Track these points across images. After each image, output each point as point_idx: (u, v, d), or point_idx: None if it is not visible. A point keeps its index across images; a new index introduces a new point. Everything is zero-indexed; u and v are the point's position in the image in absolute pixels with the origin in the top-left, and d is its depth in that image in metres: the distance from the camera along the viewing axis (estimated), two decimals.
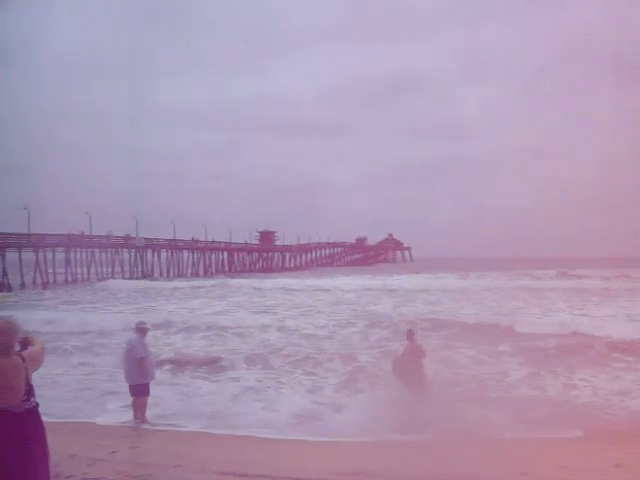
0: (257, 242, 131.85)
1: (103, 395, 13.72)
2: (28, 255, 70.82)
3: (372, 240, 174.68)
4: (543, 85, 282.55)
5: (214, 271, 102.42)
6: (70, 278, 75.07)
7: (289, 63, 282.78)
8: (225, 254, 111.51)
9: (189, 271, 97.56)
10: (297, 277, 77.26)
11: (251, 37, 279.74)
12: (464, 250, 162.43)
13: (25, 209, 72.65)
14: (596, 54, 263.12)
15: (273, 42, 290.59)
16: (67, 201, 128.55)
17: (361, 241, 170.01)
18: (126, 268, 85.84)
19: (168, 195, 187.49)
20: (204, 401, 14.96)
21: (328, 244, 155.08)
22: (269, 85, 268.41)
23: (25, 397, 5.28)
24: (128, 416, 13.09)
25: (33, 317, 27.55)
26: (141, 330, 13.39)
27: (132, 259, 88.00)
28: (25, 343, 5.49)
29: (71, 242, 77.19)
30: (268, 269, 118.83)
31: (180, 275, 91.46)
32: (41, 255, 72.13)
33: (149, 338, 14.12)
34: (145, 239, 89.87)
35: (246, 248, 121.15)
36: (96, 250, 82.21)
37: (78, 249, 78.97)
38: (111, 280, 71.87)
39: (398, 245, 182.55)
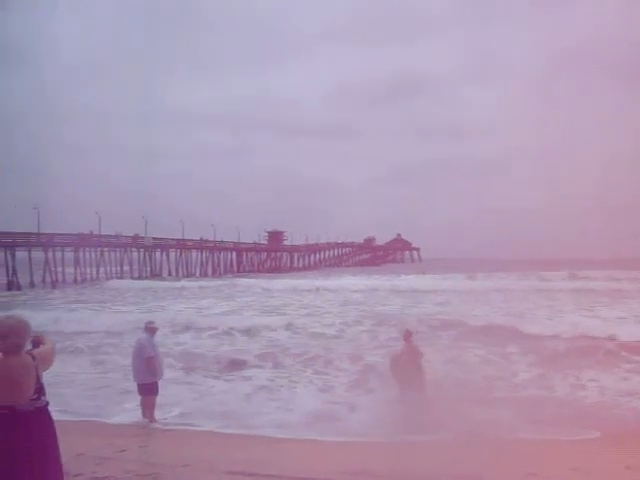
0: (266, 242, 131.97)
1: (122, 394, 13.81)
2: (37, 254, 71.15)
3: (380, 240, 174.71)
4: (550, 85, 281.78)
5: (222, 271, 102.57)
6: (79, 277, 75.34)
7: (295, 64, 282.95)
8: (234, 254, 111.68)
9: (198, 271, 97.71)
10: (305, 277, 77.26)
11: (255, 39, 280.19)
12: (472, 250, 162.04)
13: (35, 209, 73.06)
14: (601, 55, 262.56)
15: (277, 43, 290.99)
16: (77, 201, 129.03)
17: (369, 241, 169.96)
18: (135, 267, 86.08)
19: (177, 195, 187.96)
20: (218, 400, 15.02)
21: (336, 244, 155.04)
22: (276, 86, 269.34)
23: (35, 396, 5.29)
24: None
25: (41, 316, 27.59)
26: (150, 329, 13.43)
27: (141, 259, 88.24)
28: (36, 342, 5.50)
29: (80, 242, 77.47)
30: (276, 269, 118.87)
31: (189, 275, 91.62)
32: (50, 254, 72.42)
33: (158, 337, 14.15)
34: (154, 239, 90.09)
35: (255, 248, 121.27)
36: (105, 250, 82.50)
37: (87, 249, 79.30)
38: (115, 280, 71.95)
39: (406, 245, 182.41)
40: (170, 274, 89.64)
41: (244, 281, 65.61)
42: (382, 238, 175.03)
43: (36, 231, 72.43)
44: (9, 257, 66.11)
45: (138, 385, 13.11)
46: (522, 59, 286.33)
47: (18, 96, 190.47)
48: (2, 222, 68.52)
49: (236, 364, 19.36)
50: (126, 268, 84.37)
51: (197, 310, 36.92)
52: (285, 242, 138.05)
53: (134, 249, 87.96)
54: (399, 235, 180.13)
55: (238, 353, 21.02)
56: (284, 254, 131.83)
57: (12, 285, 64.68)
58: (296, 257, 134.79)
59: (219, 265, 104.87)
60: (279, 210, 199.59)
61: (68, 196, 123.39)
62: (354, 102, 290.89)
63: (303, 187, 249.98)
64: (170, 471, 9.05)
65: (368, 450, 10.70)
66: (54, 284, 68.99)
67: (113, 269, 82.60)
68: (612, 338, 22.03)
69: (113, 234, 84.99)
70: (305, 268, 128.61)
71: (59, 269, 73.28)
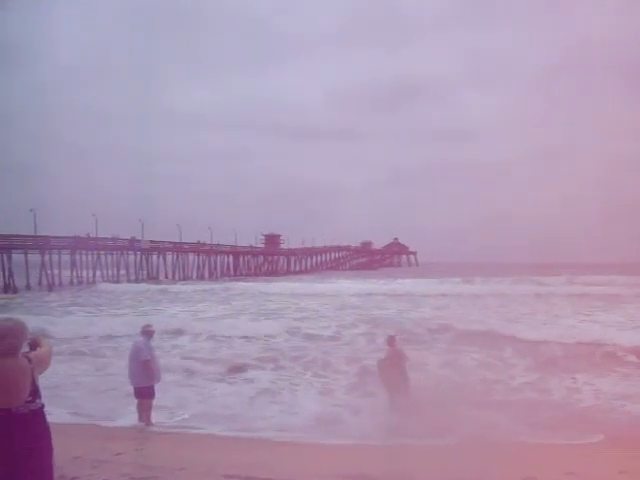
0: (262, 245, 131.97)
1: (127, 396, 13.80)
2: (34, 257, 71.09)
3: (377, 244, 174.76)
4: (551, 87, 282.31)
5: (219, 274, 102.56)
6: (76, 280, 75.28)
7: (295, 67, 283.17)
8: (230, 257, 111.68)
9: (194, 274, 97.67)
10: (302, 281, 77.25)
11: (256, 40, 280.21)
12: (470, 254, 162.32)
13: (31, 211, 72.99)
14: (604, 56, 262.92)
15: (279, 45, 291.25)
16: (74, 203, 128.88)
17: (366, 245, 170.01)
18: (131, 270, 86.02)
19: (174, 198, 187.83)
20: (222, 403, 15.08)
21: (333, 248, 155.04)
22: (274, 89, 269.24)
23: (30, 398, 5.29)
24: (156, 416, 13.21)
25: (38, 319, 27.60)
26: (147, 333, 13.42)
27: (137, 262, 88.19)
28: (33, 344, 5.51)
29: (77, 244, 77.41)
30: (273, 272, 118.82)
31: (185, 278, 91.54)
32: (47, 257, 72.38)
33: (155, 341, 14.15)
34: (151, 242, 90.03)
35: (251, 251, 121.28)
36: (102, 252, 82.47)
37: (84, 251, 79.27)
38: (111, 283, 71.86)
39: (403, 249, 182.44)
40: (167, 277, 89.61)
41: (241, 284, 65.63)
42: (379, 242, 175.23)
43: (33, 233, 72.39)
44: (5, 259, 66.06)
45: (135, 388, 13.09)
46: (524, 61, 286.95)
47: (16, 96, 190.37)
48: None
49: (237, 367, 19.43)
50: (122, 271, 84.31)
51: (193, 313, 36.98)
52: (282, 245, 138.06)
53: (131, 252, 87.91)
54: (396, 239, 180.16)
55: (238, 357, 21.15)
56: (281, 257, 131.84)
57: (8, 288, 64.61)
58: (293, 260, 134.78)
59: (216, 268, 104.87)
60: (276, 213, 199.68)
61: (65, 198, 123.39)
62: (353, 105, 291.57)
63: (300, 190, 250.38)
64: (167, 474, 9.03)
65: (366, 454, 10.70)
66: (50, 287, 68.89)
67: (110, 272, 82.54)
68: (608, 343, 22.10)
69: (110, 237, 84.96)
70: (302, 272, 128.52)
71: (55, 272, 73.22)
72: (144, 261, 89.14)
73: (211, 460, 9.91)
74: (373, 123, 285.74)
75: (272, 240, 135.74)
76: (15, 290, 63.81)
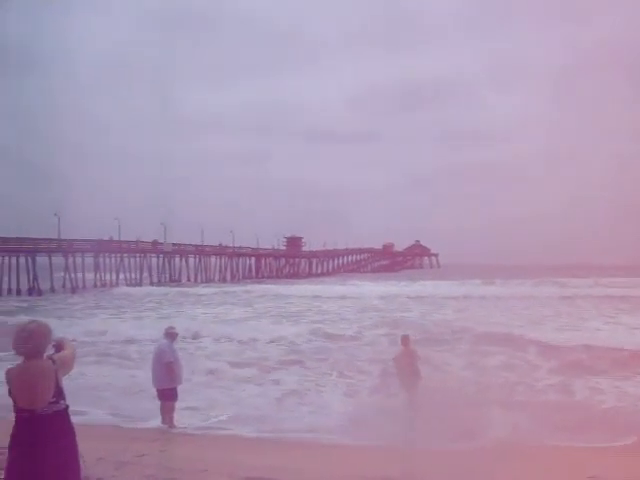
0: (284, 248, 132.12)
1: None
2: (58, 260, 71.78)
3: (399, 246, 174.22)
4: (569, 89, 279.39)
5: (241, 277, 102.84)
6: (99, 283, 75.89)
7: (313, 70, 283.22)
8: (252, 260, 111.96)
9: (216, 276, 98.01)
10: (324, 283, 77.25)
11: (272, 44, 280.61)
12: (492, 256, 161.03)
13: (55, 215, 73.70)
14: (622, 57, 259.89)
15: (295, 48, 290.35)
16: (96, 207, 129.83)
17: (388, 247, 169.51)
18: (154, 273, 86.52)
19: (196, 201, 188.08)
20: (251, 405, 15.28)
21: (355, 250, 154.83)
22: (293, 92, 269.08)
23: (54, 399, 5.32)
24: (189, 416, 13.39)
25: (61, 322, 27.88)
26: (170, 335, 13.47)
27: (160, 265, 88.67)
28: (58, 346, 5.54)
29: (100, 247, 78.04)
30: (295, 275, 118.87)
31: (207, 281, 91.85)
32: (70, 260, 73.03)
33: (178, 343, 14.23)
34: (173, 244, 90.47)
35: (273, 254, 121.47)
36: (124, 255, 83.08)
37: (107, 254, 79.92)
38: (134, 287, 72.38)
39: (425, 251, 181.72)
40: (189, 280, 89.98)
41: (262, 287, 65.75)
42: (401, 244, 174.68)
43: (57, 237, 73.09)
44: (30, 262, 66.78)
45: (157, 390, 13.15)
46: (543, 62, 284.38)
47: (38, 102, 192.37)
48: (24, 228, 69.28)
49: (262, 369, 19.61)
50: (145, 274, 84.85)
51: (215, 316, 37.09)
52: (303, 248, 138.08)
53: (153, 255, 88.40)
54: (418, 241, 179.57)
55: (262, 359, 21.30)
56: (302, 260, 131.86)
57: (33, 290, 65.33)
58: (314, 263, 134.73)
59: (238, 271, 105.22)
60: (297, 216, 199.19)
61: (88, 202, 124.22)
62: (373, 107, 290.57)
63: (322, 193, 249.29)
64: (188, 476, 9.07)
65: (389, 456, 10.65)
66: (74, 289, 69.53)
67: (132, 275, 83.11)
68: (633, 346, 21.83)
69: (132, 240, 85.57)
70: (323, 274, 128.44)
71: (79, 275, 73.89)
72: (166, 264, 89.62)
73: (234, 462, 9.92)
74: (393, 125, 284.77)
75: (294, 243, 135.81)
76: (40, 293, 64.50)
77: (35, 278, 66.68)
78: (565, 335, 24.87)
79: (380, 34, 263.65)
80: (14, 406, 5.29)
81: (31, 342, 5.29)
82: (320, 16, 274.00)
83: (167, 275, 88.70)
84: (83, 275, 74.69)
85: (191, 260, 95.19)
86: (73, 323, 29.94)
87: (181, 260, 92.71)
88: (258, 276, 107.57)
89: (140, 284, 78.19)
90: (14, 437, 5.25)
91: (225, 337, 25.82)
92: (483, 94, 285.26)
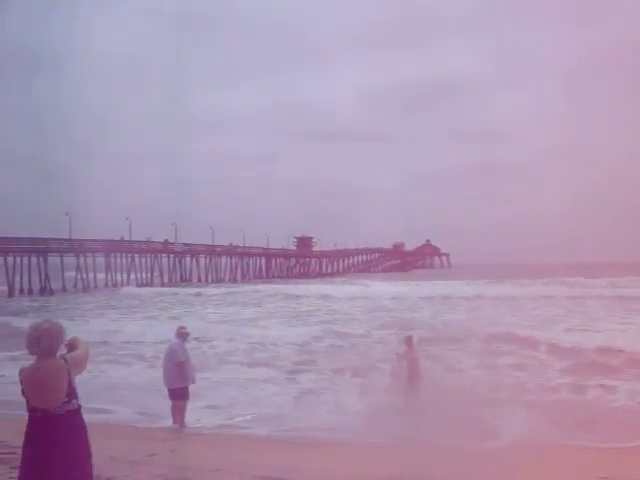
0: (294, 248, 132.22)
1: None
2: (69, 260, 72.09)
3: (409, 246, 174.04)
4: (581, 88, 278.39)
5: (252, 277, 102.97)
6: (110, 283, 76.18)
7: (325, 69, 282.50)
8: (263, 260, 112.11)
9: (227, 276, 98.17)
10: (334, 283, 77.23)
11: (285, 43, 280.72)
12: (503, 255, 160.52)
13: (67, 215, 74.02)
14: (632, 59, 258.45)
15: (309, 47, 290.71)
16: (108, 207, 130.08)
17: (398, 247, 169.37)
18: (165, 273, 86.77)
19: (206, 201, 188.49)
20: (269, 403, 15.45)
21: (365, 250, 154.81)
22: (304, 91, 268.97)
23: (67, 399, 5.35)
24: (211, 415, 13.55)
25: (73, 322, 27.99)
26: (182, 335, 13.50)
27: (171, 265, 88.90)
28: (71, 346, 5.57)
29: (111, 247, 78.32)
30: (305, 275, 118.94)
31: (218, 280, 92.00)
32: (82, 260, 73.34)
33: (189, 343, 14.29)
34: (184, 244, 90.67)
35: (283, 254, 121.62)
36: (135, 255, 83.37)
37: (118, 254, 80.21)
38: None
39: (435, 251, 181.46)
40: (200, 280, 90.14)
41: (273, 287, 65.78)
42: (411, 244, 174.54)
43: (68, 237, 73.42)
44: (42, 262, 67.11)
45: (169, 390, 13.19)
46: (555, 61, 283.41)
47: (48, 102, 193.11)
48: (35, 228, 69.68)
49: (277, 368, 19.79)
50: (156, 274, 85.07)
51: (225, 315, 37.17)
52: (314, 248, 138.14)
53: (164, 255, 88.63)
54: (428, 241, 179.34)
55: (276, 358, 21.45)
56: (313, 260, 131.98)
57: (45, 290, 65.67)
58: (325, 263, 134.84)
59: (248, 271, 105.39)
60: (308, 216, 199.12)
61: (99, 202, 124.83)
62: (383, 107, 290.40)
63: (332, 193, 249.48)
64: (200, 475, 9.09)
65: (400, 455, 10.65)
66: (85, 289, 69.85)
67: (143, 275, 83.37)
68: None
69: (143, 240, 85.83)
70: (334, 274, 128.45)
71: (90, 275, 74.19)
72: (177, 264, 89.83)
73: (244, 461, 9.92)
74: (403, 124, 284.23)
75: (304, 242, 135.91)
76: (51, 293, 64.84)
77: (47, 278, 67.01)
78: (576, 335, 24.77)
79: (394, 32, 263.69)
80: (27, 405, 5.33)
81: (44, 342, 5.31)
82: (331, 15, 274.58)
83: (178, 275, 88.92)
84: (94, 275, 74.95)
85: (202, 260, 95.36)
86: (84, 323, 30.03)
87: (192, 260, 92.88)
88: (268, 276, 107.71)
89: (151, 284, 78.48)
90: (28, 436, 5.29)
91: (237, 337, 25.85)
92: (494, 93, 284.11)
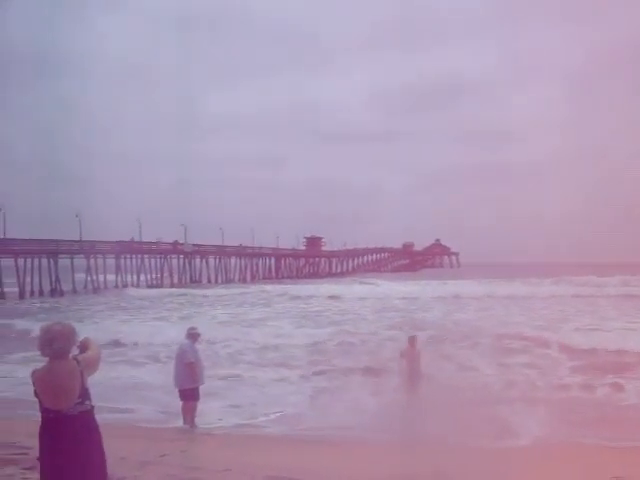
0: (304, 248, 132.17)
1: (206, 395, 14.08)
2: (80, 261, 72.31)
3: (419, 245, 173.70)
4: (589, 87, 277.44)
5: (261, 277, 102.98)
6: (120, 284, 76.37)
7: (331, 69, 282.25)
8: (272, 260, 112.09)
9: (237, 277, 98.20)
10: (343, 283, 77.14)
11: (291, 44, 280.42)
12: (511, 254, 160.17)
13: (77, 216, 74.22)
14: (636, 57, 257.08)
15: (315, 48, 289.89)
16: (117, 209, 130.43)
17: (408, 246, 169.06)
18: (174, 274, 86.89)
19: (216, 202, 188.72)
20: (286, 403, 15.55)
21: (374, 249, 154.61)
22: (314, 91, 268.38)
23: (79, 400, 5.38)
24: (234, 414, 13.77)
25: (85, 324, 28.10)
26: (192, 336, 13.54)
27: (180, 265, 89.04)
28: (83, 347, 5.60)
29: (121, 249, 78.51)
30: (314, 275, 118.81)
31: (228, 281, 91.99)
32: (92, 261, 73.55)
33: (199, 344, 14.30)
34: (193, 245, 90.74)
35: (293, 254, 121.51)
36: (145, 256, 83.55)
37: (128, 255, 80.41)
38: (155, 289, 72.73)
39: (445, 250, 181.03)
40: (209, 281, 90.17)
41: (283, 287, 65.77)
42: (421, 243, 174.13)
43: (78, 238, 73.65)
44: (52, 264, 67.35)
45: (179, 391, 13.23)
46: (555, 61, 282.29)
47: (61, 105, 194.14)
48: (45, 230, 69.94)
49: (291, 368, 19.89)
50: (165, 275, 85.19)
51: (235, 316, 37.22)
52: (324, 248, 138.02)
53: (174, 256, 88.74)
54: (438, 240, 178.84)
55: (288, 358, 21.53)
56: (322, 260, 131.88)
57: (55, 292, 65.91)
58: (334, 263, 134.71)
59: (258, 271, 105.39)
60: (318, 216, 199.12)
61: (109, 204, 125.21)
62: (391, 107, 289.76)
63: (342, 193, 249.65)
64: (210, 475, 9.10)
65: (411, 454, 10.66)
66: (95, 291, 70.06)
67: (153, 276, 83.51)
68: None
69: (153, 241, 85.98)
70: (343, 273, 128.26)
71: (100, 276, 74.41)
72: (187, 265, 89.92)
73: (256, 462, 9.93)
74: (411, 124, 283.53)
75: (314, 242, 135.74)
76: (62, 294, 65.07)
77: (57, 279, 67.25)
78: (587, 335, 24.68)
79: (400, 33, 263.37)
80: (40, 406, 5.36)
81: (56, 344, 5.34)
82: (332, 15, 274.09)
83: (187, 276, 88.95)
84: (105, 276, 75.15)
85: (211, 261, 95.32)
86: (95, 324, 30.15)
87: (201, 261, 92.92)
88: (278, 276, 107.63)
89: (161, 285, 78.64)
90: (41, 437, 5.33)
91: (247, 337, 25.89)
92: (500, 93, 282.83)
